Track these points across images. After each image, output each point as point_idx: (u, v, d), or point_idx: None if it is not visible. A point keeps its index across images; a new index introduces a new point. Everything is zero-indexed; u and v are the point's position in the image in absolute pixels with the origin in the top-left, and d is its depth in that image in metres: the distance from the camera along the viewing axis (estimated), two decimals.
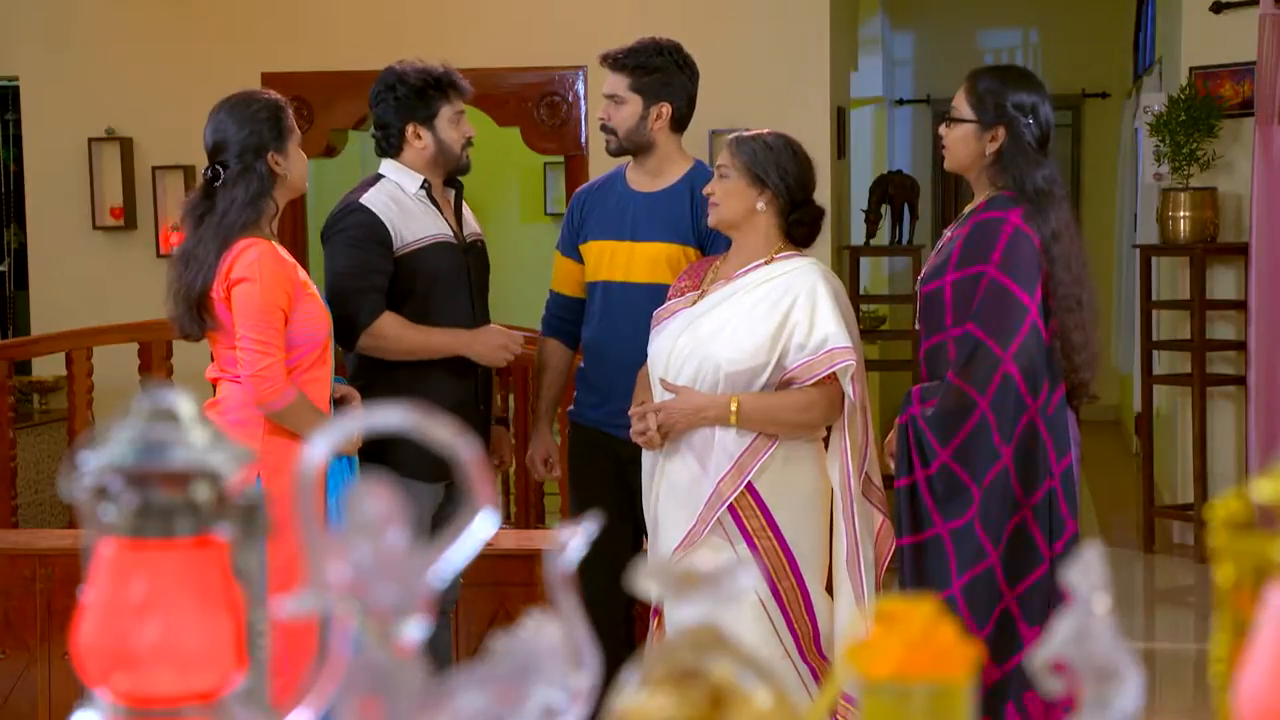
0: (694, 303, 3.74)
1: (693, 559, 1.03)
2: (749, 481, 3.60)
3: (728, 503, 3.60)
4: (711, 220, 3.77)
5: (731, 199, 3.72)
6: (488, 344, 4.12)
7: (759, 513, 3.61)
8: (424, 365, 4.10)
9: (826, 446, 3.69)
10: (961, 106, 3.67)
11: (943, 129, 3.73)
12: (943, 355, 3.59)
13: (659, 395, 3.74)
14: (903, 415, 3.60)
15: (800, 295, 3.61)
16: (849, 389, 3.58)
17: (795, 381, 3.60)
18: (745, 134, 3.79)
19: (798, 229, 3.75)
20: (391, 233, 4.06)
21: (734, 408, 3.58)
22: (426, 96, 4.13)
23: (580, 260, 4.29)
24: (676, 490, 3.68)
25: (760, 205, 3.71)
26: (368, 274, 4.03)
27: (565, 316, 4.37)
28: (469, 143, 4.19)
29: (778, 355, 3.60)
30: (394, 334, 4.04)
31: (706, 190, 3.79)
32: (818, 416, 3.62)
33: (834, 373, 3.58)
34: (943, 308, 3.58)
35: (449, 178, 4.23)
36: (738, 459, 3.60)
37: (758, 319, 3.62)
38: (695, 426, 3.63)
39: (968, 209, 3.71)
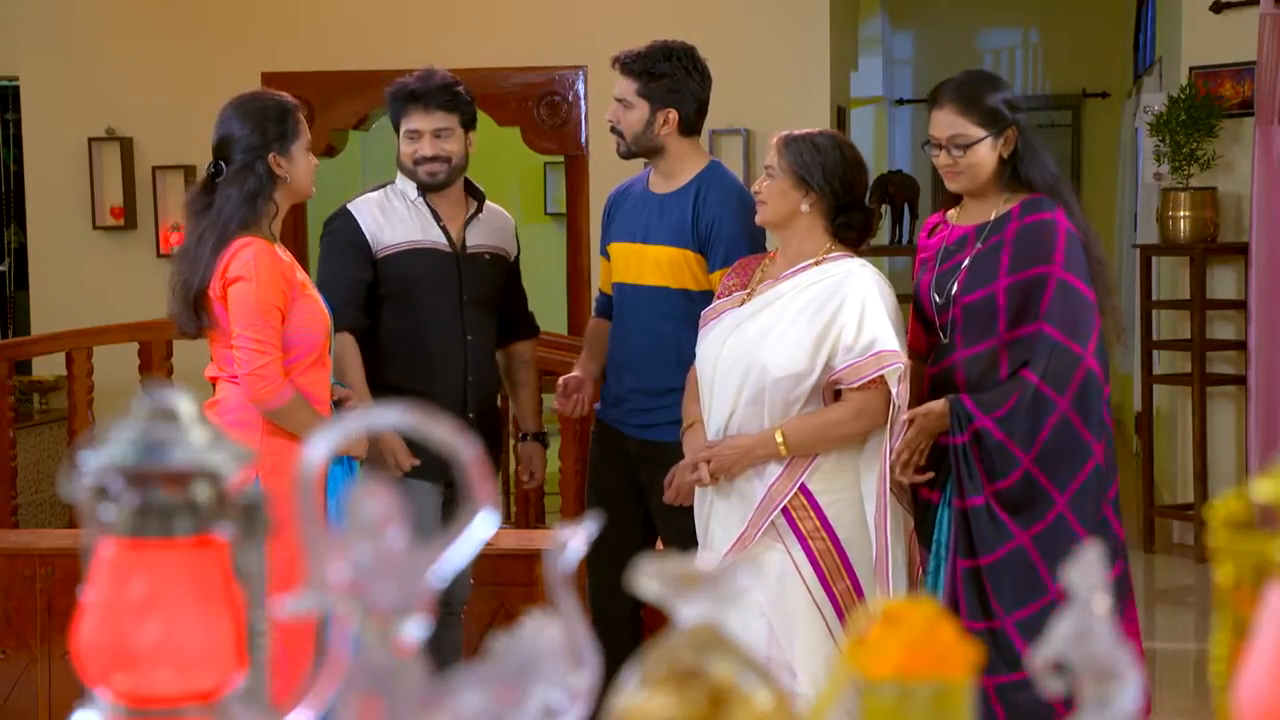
0: (742, 303, 3.70)
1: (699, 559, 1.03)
2: (802, 483, 3.58)
3: (780, 506, 3.57)
4: (758, 218, 3.75)
5: (776, 199, 3.68)
6: (383, 443, 4.00)
7: (813, 514, 3.57)
8: (413, 366, 4.14)
9: None
10: (965, 128, 3.60)
11: (948, 159, 3.64)
12: (991, 362, 3.54)
13: (706, 398, 3.71)
14: (962, 434, 3.51)
15: (849, 297, 3.56)
16: (895, 391, 3.53)
17: (841, 383, 3.57)
18: (795, 133, 3.73)
19: (846, 231, 3.71)
20: (368, 237, 4.17)
21: (780, 439, 3.56)
22: (391, 109, 4.26)
23: (610, 260, 4.31)
24: (729, 491, 3.65)
25: (805, 207, 3.67)
26: (341, 281, 4.12)
27: (610, 309, 4.37)
28: (425, 160, 4.18)
29: (824, 359, 3.55)
30: (343, 351, 4.04)
31: (754, 188, 3.77)
32: (865, 424, 3.57)
33: (880, 376, 3.53)
34: (993, 314, 3.53)
35: (428, 188, 4.22)
36: (788, 464, 3.58)
37: (804, 323, 3.58)
38: (748, 466, 3.60)
39: (995, 216, 3.65)
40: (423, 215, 4.21)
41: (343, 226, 4.20)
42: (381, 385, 4.07)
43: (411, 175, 4.21)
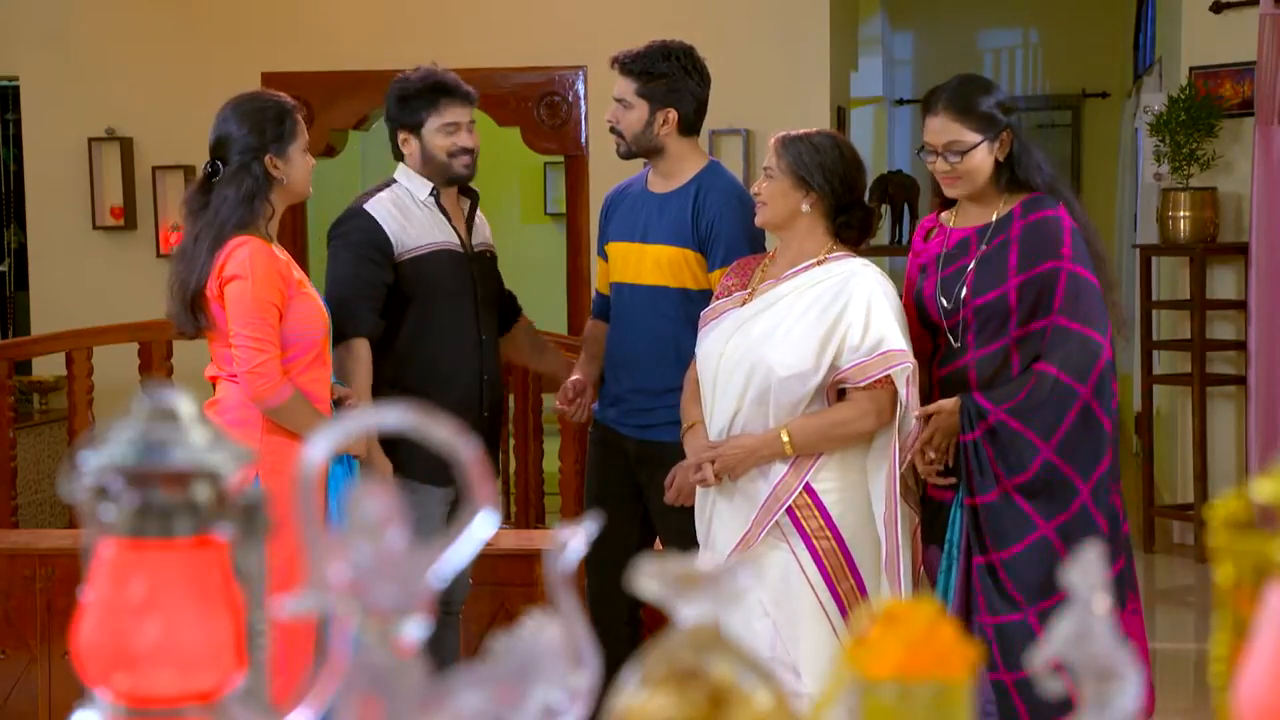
0: (743, 303, 3.70)
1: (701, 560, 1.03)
2: (806, 482, 3.57)
3: (785, 505, 3.56)
4: (759, 220, 3.75)
5: (777, 200, 3.68)
6: (373, 458, 3.93)
7: (818, 513, 3.56)
8: (429, 369, 4.10)
9: None
10: (960, 134, 3.59)
11: (945, 165, 3.62)
12: (1003, 361, 3.55)
13: (709, 398, 3.70)
14: (973, 431, 3.51)
15: (855, 296, 3.56)
16: (903, 391, 3.52)
17: (847, 382, 3.56)
18: (793, 134, 3.73)
19: (846, 231, 3.71)
20: (391, 239, 4.06)
21: (786, 439, 3.55)
22: (412, 104, 4.14)
23: (608, 260, 4.29)
24: (733, 491, 3.64)
25: (805, 207, 3.67)
26: (362, 284, 4.02)
27: (608, 310, 4.34)
28: (462, 152, 4.13)
29: (830, 358, 3.55)
30: (357, 358, 4.00)
31: (754, 189, 3.77)
32: (871, 424, 3.57)
33: (886, 376, 3.53)
34: (1005, 313, 3.54)
35: (446, 185, 4.20)
36: (793, 463, 3.57)
37: (810, 322, 3.57)
38: (752, 466, 3.59)
39: (996, 217, 3.65)
40: (436, 216, 4.15)
41: (361, 227, 4.07)
42: (398, 388, 3.99)
43: (445, 169, 4.12)
